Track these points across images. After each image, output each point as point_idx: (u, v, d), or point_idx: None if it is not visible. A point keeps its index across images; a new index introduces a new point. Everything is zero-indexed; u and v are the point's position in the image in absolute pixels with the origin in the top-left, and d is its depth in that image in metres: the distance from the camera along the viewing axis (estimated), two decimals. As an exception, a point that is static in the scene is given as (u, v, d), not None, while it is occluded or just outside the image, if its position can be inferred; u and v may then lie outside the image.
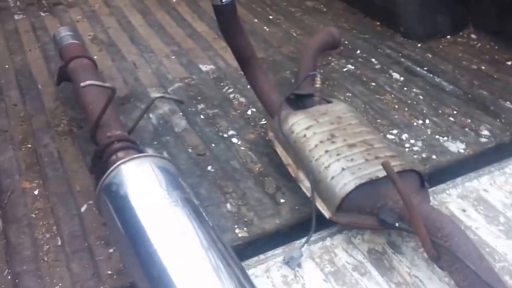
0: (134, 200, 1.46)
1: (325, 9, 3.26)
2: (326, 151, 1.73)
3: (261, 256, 1.66)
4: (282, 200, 1.86)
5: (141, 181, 1.54)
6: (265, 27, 3.06)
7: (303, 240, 1.68)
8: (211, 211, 1.81)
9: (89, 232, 1.73)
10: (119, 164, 1.58)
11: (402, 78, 2.57)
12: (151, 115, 2.28)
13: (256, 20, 3.14)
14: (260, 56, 2.72)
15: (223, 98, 2.42)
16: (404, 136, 2.18)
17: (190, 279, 1.23)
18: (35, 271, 1.62)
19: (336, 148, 1.73)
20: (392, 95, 2.44)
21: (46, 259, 1.65)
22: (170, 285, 1.22)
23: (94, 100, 1.91)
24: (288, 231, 1.78)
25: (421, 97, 2.42)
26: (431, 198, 1.83)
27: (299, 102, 2.14)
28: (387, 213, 1.56)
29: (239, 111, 2.32)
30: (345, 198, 1.61)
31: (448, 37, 2.89)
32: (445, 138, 2.17)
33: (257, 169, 2.00)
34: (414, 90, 2.48)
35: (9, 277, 1.61)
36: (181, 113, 2.31)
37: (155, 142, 2.14)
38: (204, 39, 2.91)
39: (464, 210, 1.84)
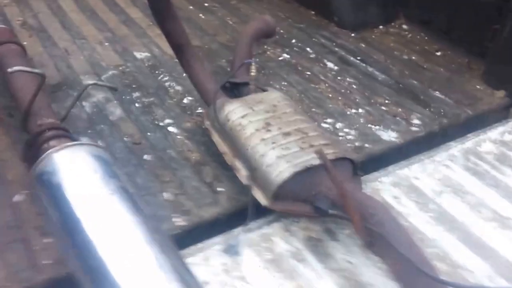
0: (68, 190, 1.41)
1: (261, -3, 3.26)
2: (262, 139, 1.73)
3: (200, 245, 1.63)
4: (219, 189, 1.85)
5: (75, 169, 1.48)
6: (201, 15, 3.02)
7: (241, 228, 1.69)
8: (148, 200, 1.78)
9: (24, 222, 1.66)
10: (51, 152, 1.52)
11: (336, 68, 2.62)
12: (84, 103, 2.20)
13: (191, 7, 3.09)
14: (196, 44, 2.68)
15: (159, 86, 2.37)
16: (339, 125, 2.22)
17: (127, 269, 1.20)
18: (-34, 265, 1.54)
19: (271, 137, 1.73)
20: (327, 84, 2.48)
21: (-22, 251, 1.58)
22: (107, 275, 1.19)
23: (23, 87, 1.82)
24: (226, 219, 1.77)
25: (355, 86, 2.48)
26: (364, 186, 1.87)
27: (235, 90, 2.12)
28: (321, 200, 1.59)
29: (175, 100, 2.29)
30: (280, 185, 1.62)
31: (381, 27, 2.97)
32: (378, 127, 2.23)
33: (194, 158, 1.98)
34: (348, 79, 2.53)
35: None
36: (116, 101, 2.24)
37: (89, 131, 2.07)
38: (138, 25, 2.84)
39: (396, 197, 1.89)
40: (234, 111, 1.86)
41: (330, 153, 1.67)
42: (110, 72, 2.44)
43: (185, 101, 2.29)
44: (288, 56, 2.68)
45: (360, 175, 1.79)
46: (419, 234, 1.74)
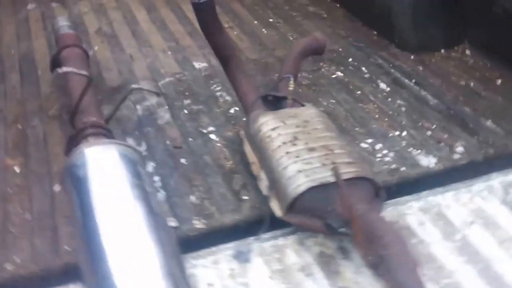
0: (89, 182, 1.54)
1: (325, 15, 3.27)
2: (287, 153, 1.76)
3: (213, 248, 1.70)
4: (245, 197, 1.90)
5: (101, 165, 1.61)
6: (264, 29, 3.10)
7: (264, 236, 1.73)
8: (175, 201, 1.88)
9: (57, 210, 1.82)
10: (82, 147, 1.67)
11: (388, 89, 2.58)
12: (138, 106, 2.37)
13: (256, 22, 3.18)
14: (254, 57, 2.78)
15: (210, 95, 2.48)
16: (378, 146, 2.20)
17: (122, 261, 1.30)
18: (1, 241, 1.72)
19: (296, 151, 1.76)
20: (375, 105, 2.46)
21: (13, 231, 1.75)
22: (102, 262, 1.30)
23: (76, 88, 1.99)
24: (245, 227, 1.81)
25: (403, 109, 2.43)
26: (392, 208, 1.86)
27: (277, 103, 2.17)
28: (333, 218, 1.59)
29: (222, 109, 2.37)
30: (296, 198, 1.65)
31: (442, 51, 2.88)
32: (419, 151, 2.18)
33: (228, 165, 2.05)
34: (398, 101, 2.49)
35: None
36: (167, 107, 2.38)
37: (136, 132, 2.22)
38: (202, 37, 2.91)
39: (422, 223, 1.85)
40: (266, 123, 1.91)
41: (349, 171, 1.67)
42: (167, 79, 2.58)
43: (231, 111, 2.37)
44: (342, 75, 2.69)
45: (381, 197, 1.77)
46: (438, 263, 1.69)
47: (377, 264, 1.51)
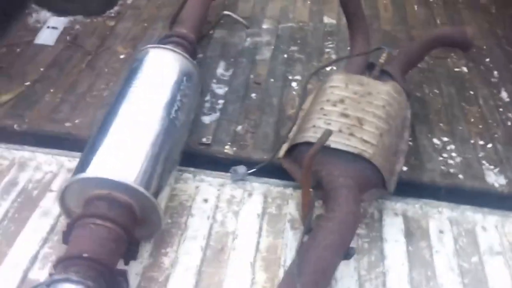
0: (135, 74, 1.72)
1: (493, 11, 2.89)
2: (321, 108, 1.75)
3: (227, 174, 1.79)
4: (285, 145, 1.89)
5: (153, 65, 1.77)
6: (415, 6, 2.87)
7: (281, 182, 1.76)
8: (222, 124, 2.00)
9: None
10: (148, 47, 1.85)
11: (508, 99, 2.26)
12: (248, 39, 2.48)
13: (414, -1, 2.97)
14: (386, 28, 2.64)
15: (318, 49, 2.47)
16: (451, 147, 1.99)
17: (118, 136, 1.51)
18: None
19: (330, 111, 1.73)
20: (479, 109, 2.20)
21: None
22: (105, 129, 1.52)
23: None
24: (269, 168, 1.80)
25: (509, 123, 2.12)
26: (420, 206, 1.74)
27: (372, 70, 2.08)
28: (313, 176, 1.55)
29: (320, 64, 2.34)
30: (294, 146, 1.68)
31: None
32: (492, 167, 1.93)
33: (290, 113, 2.07)
34: (509, 114, 2.17)
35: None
36: (272, 47, 2.45)
37: (232, 59, 2.34)
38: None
39: (441, 232, 1.68)
40: (333, 80, 1.88)
41: (355, 146, 1.60)
42: (289, 24, 2.62)
43: (328, 68, 2.31)
44: (466, 71, 2.42)
45: (386, 191, 1.65)
46: (430, 273, 1.55)
47: (310, 230, 1.46)
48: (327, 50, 2.46)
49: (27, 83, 2.12)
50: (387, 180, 1.65)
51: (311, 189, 1.58)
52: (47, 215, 1.62)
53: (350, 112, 1.73)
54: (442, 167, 1.91)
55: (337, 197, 1.52)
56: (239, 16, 2.29)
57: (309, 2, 2.81)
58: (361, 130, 1.67)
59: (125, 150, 1.49)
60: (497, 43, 2.66)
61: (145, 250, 1.54)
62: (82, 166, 1.46)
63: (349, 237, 1.47)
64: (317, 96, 1.87)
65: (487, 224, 1.73)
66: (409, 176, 1.86)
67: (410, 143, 1.99)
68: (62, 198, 1.46)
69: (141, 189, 1.41)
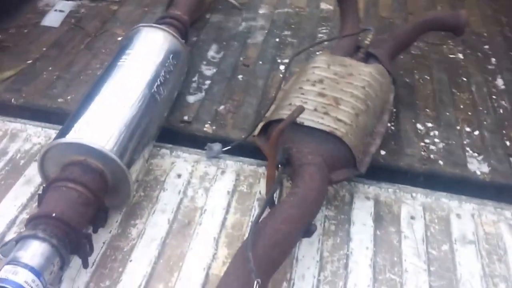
0: (124, 49, 1.70)
1: (501, -1, 2.71)
2: (300, 88, 1.65)
3: (202, 151, 1.72)
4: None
5: (141, 43, 1.73)
6: (419, -8, 2.71)
7: (255, 161, 1.69)
8: (205, 104, 1.93)
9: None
10: (140, 26, 1.82)
11: (502, 87, 2.10)
12: (243, 23, 2.39)
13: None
14: (384, 14, 2.51)
15: (311, 35, 2.35)
16: (434, 132, 1.85)
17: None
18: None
19: (308, 90, 1.63)
20: (470, 96, 2.04)
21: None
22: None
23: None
24: (247, 148, 1.72)
25: (501, 111, 1.97)
26: (394, 191, 1.62)
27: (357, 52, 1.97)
28: (280, 152, 1.46)
29: (312, 49, 2.19)
30: (269, 124, 1.59)
31: None
32: (476, 154, 1.78)
33: (274, 94, 1.92)
34: (502, 102, 2.02)
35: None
36: (266, 32, 2.34)
37: (224, 43, 2.25)
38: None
39: (412, 217, 1.57)
40: (315, 61, 1.79)
41: (328, 125, 1.50)
42: (286, 9, 2.51)
43: (318, 52, 2.21)
44: (462, 57, 2.26)
45: (357, 170, 1.54)
46: (398, 258, 1.44)
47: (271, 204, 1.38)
48: (320, 35, 2.34)
49: (29, 61, 2.08)
50: (358, 161, 1.53)
51: (280, 166, 1.50)
52: (29, 183, 1.58)
53: (327, 92, 1.62)
54: (423, 153, 1.77)
55: (303, 174, 1.42)
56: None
57: (309, -11, 2.71)
58: (336, 109, 1.56)
59: (103, 120, 1.45)
60: (499, 31, 2.47)
61: (115, 220, 1.49)
62: (62, 132, 1.42)
63: (310, 213, 1.36)
64: (299, 76, 1.76)
65: (462, 212, 1.58)
66: (387, 161, 1.73)
67: (392, 127, 1.86)
68: (42, 164, 1.42)
69: (114, 156, 1.36)
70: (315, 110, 1.55)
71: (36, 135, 1.77)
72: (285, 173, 1.51)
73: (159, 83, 1.62)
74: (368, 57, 1.91)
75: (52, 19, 2.35)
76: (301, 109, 1.38)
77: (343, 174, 1.52)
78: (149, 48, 1.72)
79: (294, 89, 1.67)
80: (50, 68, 2.07)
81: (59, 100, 1.91)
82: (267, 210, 1.37)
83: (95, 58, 2.13)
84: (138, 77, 1.60)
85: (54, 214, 1.21)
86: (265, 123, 1.62)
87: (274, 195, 1.41)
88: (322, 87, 1.64)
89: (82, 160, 1.34)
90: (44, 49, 2.18)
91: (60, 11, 2.40)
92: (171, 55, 1.73)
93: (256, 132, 1.64)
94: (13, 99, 1.92)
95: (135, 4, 2.51)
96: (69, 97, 1.93)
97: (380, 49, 1.93)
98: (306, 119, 1.50)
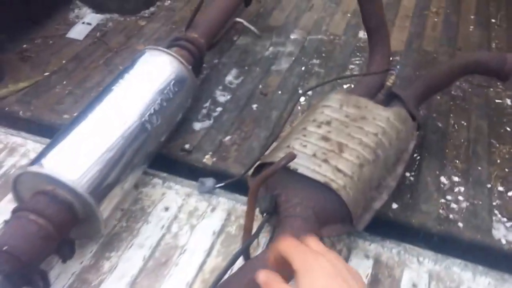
0: (124, 72, 1.68)
1: None
2: (303, 129, 1.55)
3: (198, 184, 1.65)
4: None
5: (143, 66, 1.71)
6: (471, 27, 2.53)
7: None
8: (211, 133, 1.87)
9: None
10: (146, 49, 1.81)
11: (550, 140, 1.90)
12: (270, 48, 2.32)
13: (472, 16, 2.60)
14: (428, 48, 2.35)
15: (342, 65, 2.24)
16: (459, 189, 1.70)
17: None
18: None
19: (312, 132, 1.53)
20: (508, 148, 1.86)
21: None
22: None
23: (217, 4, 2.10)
24: (243, 186, 1.66)
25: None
26: (399, 251, 1.49)
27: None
28: (267, 198, 1.39)
29: (340, 81, 2.12)
30: (259, 165, 1.50)
31: None
32: (504, 219, 1.61)
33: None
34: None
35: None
36: (293, 58, 2.27)
37: (246, 67, 2.20)
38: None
39: (414, 286, 1.43)
40: (330, 98, 1.67)
41: (324, 175, 1.38)
42: (319, 36, 2.42)
43: (345, 86, 2.11)
44: (509, 103, 2.07)
45: (352, 227, 1.42)
46: None
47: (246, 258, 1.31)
48: (352, 66, 2.23)
49: (46, 74, 2.15)
50: (355, 217, 1.42)
51: (266, 214, 1.43)
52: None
53: (332, 136, 1.51)
54: (441, 211, 1.62)
55: (287, 227, 1.34)
56: (251, 25, 2.14)
57: (349, 15, 2.59)
58: (338, 157, 1.45)
59: (79, 149, 1.42)
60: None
61: (90, 250, 1.47)
62: (37, 158, 1.41)
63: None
64: (307, 115, 1.66)
65: (475, 286, 1.42)
66: (396, 216, 1.61)
67: (411, 178, 1.73)
68: (15, 187, 1.41)
69: (81, 191, 1.33)
70: (314, 155, 1.45)
71: (34, 150, 1.79)
72: (269, 223, 1.42)
73: (152, 111, 1.59)
74: (391, 99, 1.79)
75: (78, 32, 2.41)
76: (291, 157, 1.29)
77: (335, 231, 1.41)
78: (148, 73, 1.69)
79: (297, 129, 1.57)
80: (64, 82, 2.11)
81: (65, 116, 1.94)
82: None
83: (111, 74, 2.14)
84: (128, 104, 1.57)
85: (5, 248, 1.19)
86: (259, 164, 1.54)
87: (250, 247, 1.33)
88: (328, 130, 1.54)
89: (50, 190, 1.32)
90: (64, 61, 2.23)
91: (88, 23, 2.46)
92: (172, 82, 1.70)
93: (250, 172, 1.56)
94: (21, 112, 1.97)
95: (163, 20, 2.52)
96: (75, 114, 1.93)
97: (406, 90, 1.80)
98: (301, 165, 1.41)
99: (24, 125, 1.94)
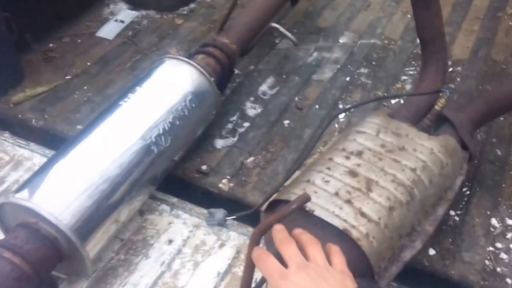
0: (139, 81, 1.62)
1: None
2: (330, 159, 1.40)
3: (208, 213, 1.54)
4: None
5: (158, 78, 1.63)
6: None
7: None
8: (233, 152, 1.76)
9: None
10: (165, 58, 1.72)
11: None
12: (314, 54, 2.18)
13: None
14: (497, 57, 2.10)
15: (393, 75, 2.07)
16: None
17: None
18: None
19: (337, 164, 1.37)
20: None
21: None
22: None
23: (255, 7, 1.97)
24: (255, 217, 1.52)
25: None
26: None
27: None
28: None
29: (386, 94, 1.94)
30: (274, 201, 1.36)
31: None
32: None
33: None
34: None
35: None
36: (338, 66, 2.11)
37: (284, 76, 2.07)
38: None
39: None
40: (366, 123, 1.51)
41: (343, 219, 1.22)
42: (372, 41, 2.25)
43: (393, 101, 1.90)
44: None
45: (373, 283, 1.23)
46: None
47: None
48: (404, 77, 2.05)
49: (68, 77, 2.11)
50: (377, 272, 1.26)
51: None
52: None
53: (362, 170, 1.35)
54: (487, 262, 1.44)
55: None
56: (287, 31, 1.91)
57: (409, 16, 2.39)
58: (365, 197, 1.29)
59: (68, 179, 1.34)
60: None
61: (80, 286, 1.40)
62: (24, 184, 1.35)
63: None
64: (337, 141, 1.51)
65: None
66: (433, 265, 1.44)
67: (456, 218, 1.55)
68: None
69: (65, 228, 1.24)
70: (336, 194, 1.30)
71: (40, 165, 1.74)
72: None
73: (161, 131, 1.50)
74: (440, 123, 1.57)
75: (108, 30, 2.37)
76: (304, 200, 1.12)
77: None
78: (162, 87, 1.61)
79: (322, 159, 1.43)
80: (85, 87, 2.07)
81: (78, 127, 1.89)
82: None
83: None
84: (132, 124, 1.48)
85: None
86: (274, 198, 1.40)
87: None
88: (357, 162, 1.38)
89: (33, 223, 1.26)
90: (88, 64, 2.20)
91: (120, 21, 2.41)
92: (189, 97, 1.61)
93: (264, 207, 1.42)
94: (33, 120, 1.95)
95: (201, 19, 2.44)
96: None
97: (462, 111, 1.58)
98: (319, 206, 1.26)
99: (35, 135, 1.92)
